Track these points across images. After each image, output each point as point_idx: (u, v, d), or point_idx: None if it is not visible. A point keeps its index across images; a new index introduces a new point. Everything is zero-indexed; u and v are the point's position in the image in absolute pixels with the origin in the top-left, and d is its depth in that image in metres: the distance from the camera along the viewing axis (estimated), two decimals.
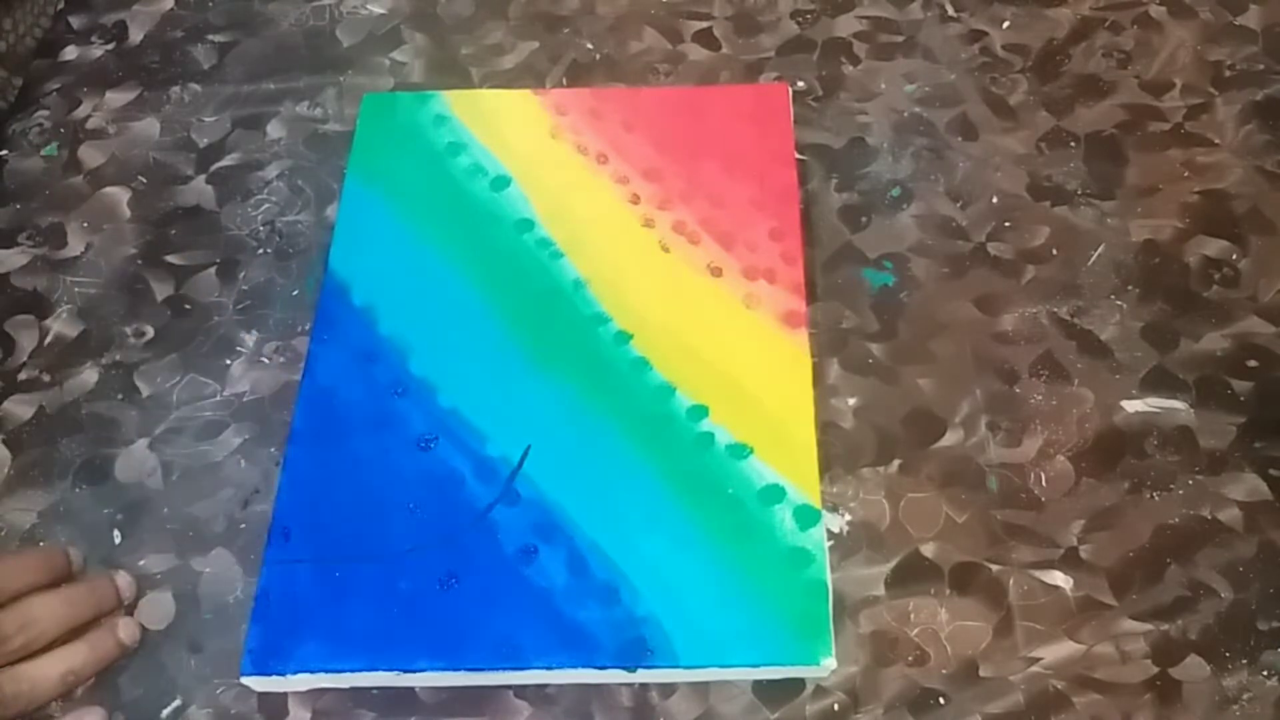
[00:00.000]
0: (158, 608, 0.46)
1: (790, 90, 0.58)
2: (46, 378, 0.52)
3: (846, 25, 0.63)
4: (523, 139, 0.56)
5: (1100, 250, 0.54)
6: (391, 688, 0.44)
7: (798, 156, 0.56)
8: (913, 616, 0.45)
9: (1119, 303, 0.52)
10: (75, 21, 0.65)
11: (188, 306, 0.54)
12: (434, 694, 0.44)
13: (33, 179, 0.58)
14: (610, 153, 0.55)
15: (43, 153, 0.59)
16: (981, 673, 0.44)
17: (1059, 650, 0.44)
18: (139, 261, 0.55)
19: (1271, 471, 0.48)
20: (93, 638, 0.44)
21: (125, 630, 0.44)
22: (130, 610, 0.46)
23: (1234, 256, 0.54)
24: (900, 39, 0.62)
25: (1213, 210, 0.55)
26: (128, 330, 0.53)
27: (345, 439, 0.47)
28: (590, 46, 0.62)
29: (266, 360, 0.52)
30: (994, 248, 0.54)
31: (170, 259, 0.55)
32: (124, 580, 0.46)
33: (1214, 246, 0.54)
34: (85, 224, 0.57)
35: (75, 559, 0.46)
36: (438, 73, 0.61)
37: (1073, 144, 0.57)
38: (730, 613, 0.43)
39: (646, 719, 0.43)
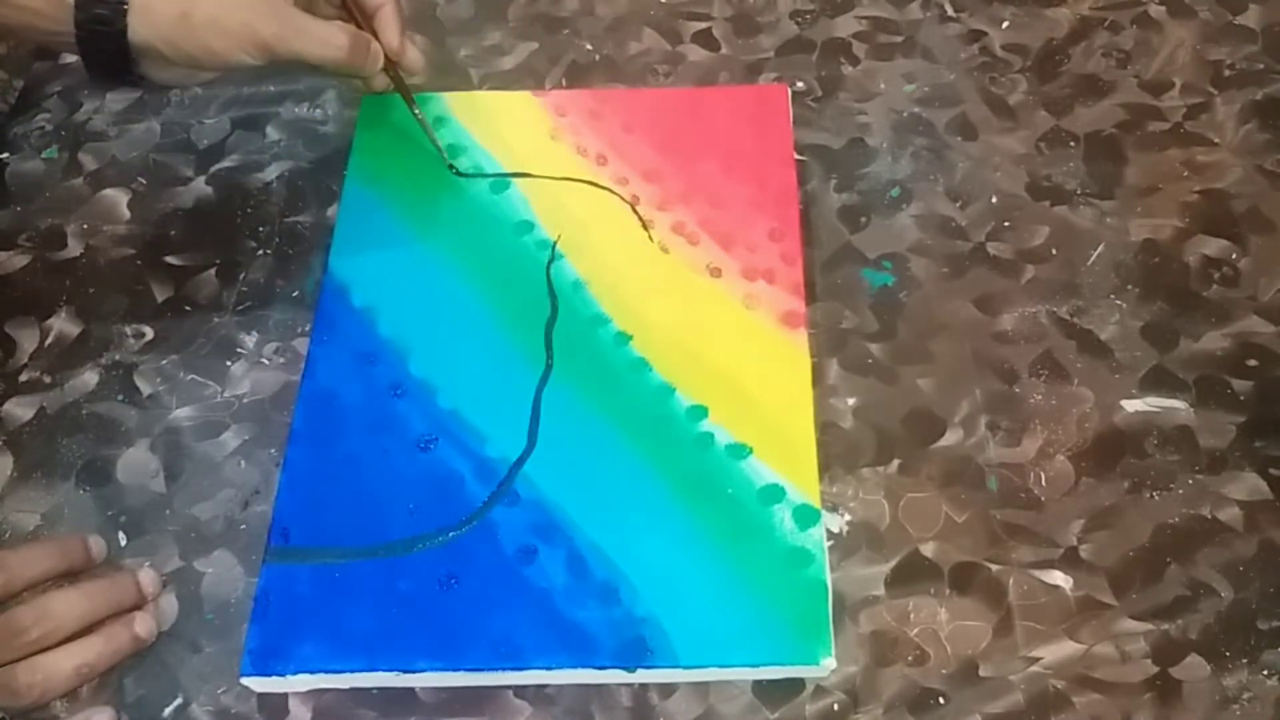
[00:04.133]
0: (163, 608, 0.46)
1: (789, 91, 0.58)
2: (48, 379, 0.52)
3: (846, 25, 0.63)
4: (522, 140, 0.56)
5: (1100, 250, 0.54)
6: (391, 688, 0.44)
7: (797, 157, 0.56)
8: (913, 616, 0.45)
9: (1119, 302, 0.52)
10: None
11: (188, 308, 0.54)
12: (434, 694, 0.44)
13: (33, 181, 0.59)
14: (610, 154, 0.55)
15: (43, 155, 0.59)
16: (981, 672, 0.44)
17: (1059, 650, 0.44)
18: (139, 263, 0.55)
19: (1271, 471, 0.48)
20: (108, 632, 0.44)
21: (141, 625, 0.44)
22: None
23: (1234, 256, 0.54)
24: (899, 39, 0.62)
25: (1212, 210, 0.55)
26: (128, 331, 0.53)
27: (345, 440, 0.47)
28: (589, 47, 0.62)
29: (266, 361, 0.52)
30: (993, 247, 0.54)
31: (170, 260, 0.55)
32: (147, 577, 0.46)
33: (1214, 246, 0.54)
34: (85, 226, 0.57)
35: (95, 549, 0.46)
36: (437, 74, 0.61)
37: (1072, 144, 0.57)
38: (730, 613, 0.43)
39: (646, 719, 0.43)
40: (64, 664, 0.42)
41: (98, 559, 0.46)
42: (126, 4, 0.46)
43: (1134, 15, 0.62)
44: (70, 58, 0.63)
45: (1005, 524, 0.47)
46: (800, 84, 0.60)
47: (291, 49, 0.49)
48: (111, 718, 0.43)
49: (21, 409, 0.51)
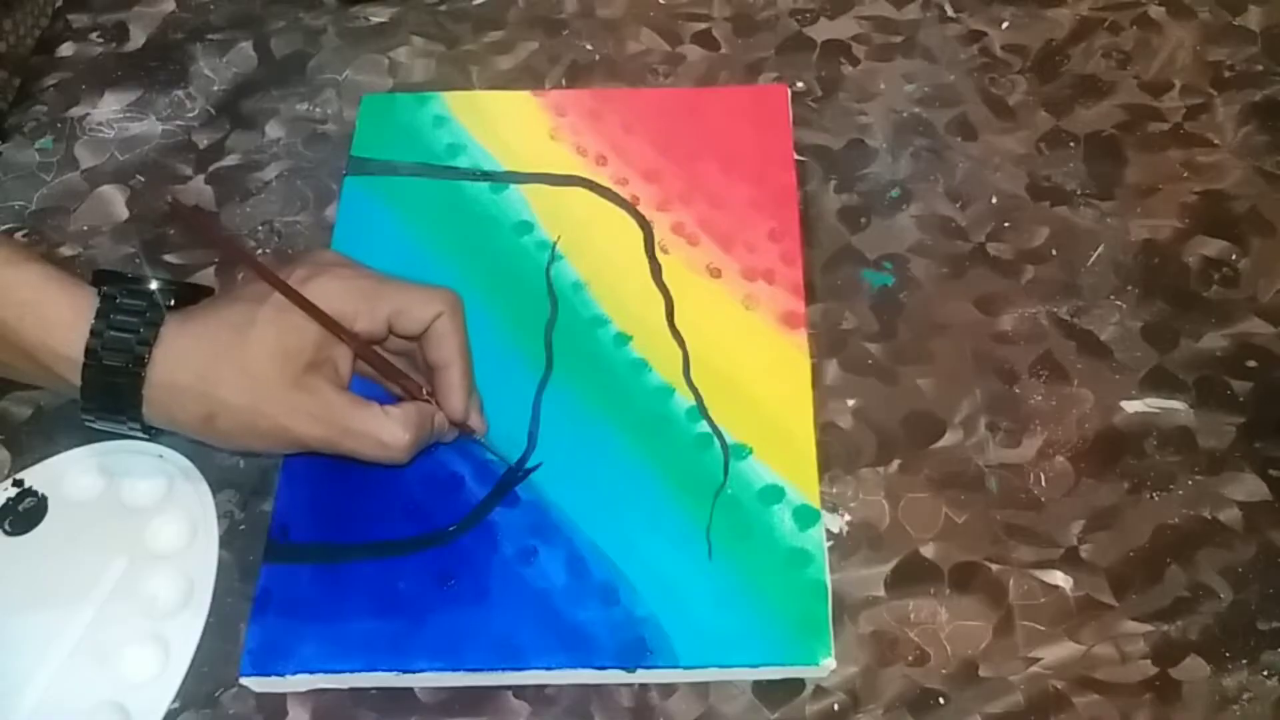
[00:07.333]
0: None
1: (789, 91, 0.58)
2: None
3: (845, 26, 0.63)
4: (522, 140, 0.56)
5: (1100, 250, 0.54)
6: (391, 688, 0.44)
7: (797, 157, 0.56)
8: (913, 616, 0.45)
9: (1119, 303, 0.52)
10: (74, 20, 0.64)
11: None
12: (433, 694, 0.44)
13: (31, 176, 0.58)
14: (609, 154, 0.55)
15: (37, 145, 0.59)
16: (981, 673, 0.44)
17: (1059, 650, 0.44)
18: (138, 261, 0.55)
19: (1271, 471, 0.48)
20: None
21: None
22: None
23: (1234, 256, 0.54)
24: (899, 39, 0.62)
25: (1212, 210, 0.55)
26: None
27: None
28: (589, 47, 0.62)
29: None
30: (993, 248, 0.54)
31: (169, 259, 0.55)
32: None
33: (1214, 246, 0.54)
34: (85, 226, 0.56)
35: None
36: (437, 74, 0.61)
37: (1072, 144, 0.57)
38: (730, 613, 0.43)
39: (646, 719, 0.43)
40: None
41: None
42: (140, 404, 0.41)
43: (1134, 16, 0.62)
44: (67, 51, 0.63)
45: (1005, 524, 0.47)
46: (800, 84, 0.60)
47: (340, 450, 0.43)
48: None
49: (20, 408, 0.51)
